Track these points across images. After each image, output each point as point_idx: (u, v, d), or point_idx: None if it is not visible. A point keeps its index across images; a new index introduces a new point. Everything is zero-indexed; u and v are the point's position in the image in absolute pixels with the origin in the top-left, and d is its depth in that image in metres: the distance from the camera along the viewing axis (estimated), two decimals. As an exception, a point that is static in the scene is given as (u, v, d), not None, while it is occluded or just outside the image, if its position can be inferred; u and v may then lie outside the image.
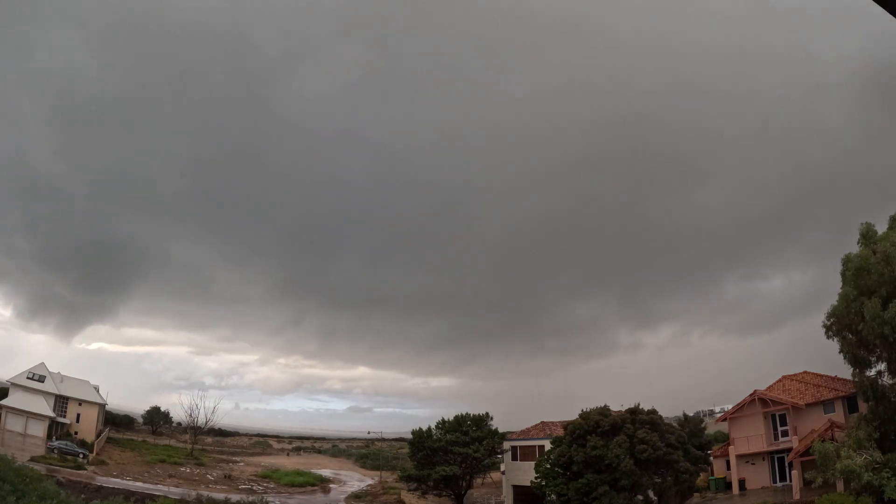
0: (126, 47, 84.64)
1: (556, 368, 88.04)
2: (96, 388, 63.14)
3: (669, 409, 46.72)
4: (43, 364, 59.02)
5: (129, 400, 73.92)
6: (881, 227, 35.03)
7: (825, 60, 63.72)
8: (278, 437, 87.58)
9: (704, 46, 69.36)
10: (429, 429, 52.64)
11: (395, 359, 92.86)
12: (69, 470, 47.92)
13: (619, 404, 42.36)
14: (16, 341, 76.29)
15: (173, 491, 47.76)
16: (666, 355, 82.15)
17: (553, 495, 39.99)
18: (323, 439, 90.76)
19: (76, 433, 58.58)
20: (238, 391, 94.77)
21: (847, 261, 34.29)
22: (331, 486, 61.87)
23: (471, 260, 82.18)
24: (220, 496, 47.21)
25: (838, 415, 39.57)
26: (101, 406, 63.29)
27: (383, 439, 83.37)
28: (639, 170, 73.44)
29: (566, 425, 42.48)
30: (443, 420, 53.00)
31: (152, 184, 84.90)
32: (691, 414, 55.03)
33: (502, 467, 53.60)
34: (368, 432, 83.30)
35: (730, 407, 47.63)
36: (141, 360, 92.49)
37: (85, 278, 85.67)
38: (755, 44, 67.34)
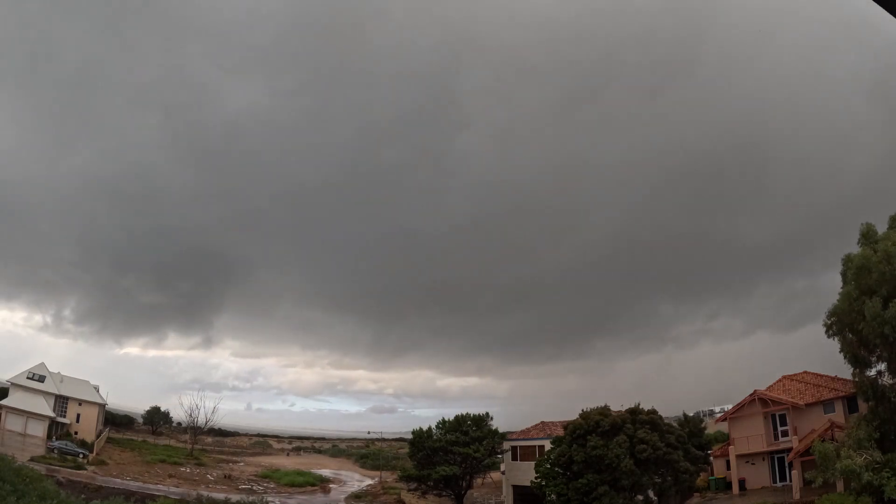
0: (294, 75, 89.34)
1: (574, 369, 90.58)
2: (96, 388, 63.11)
3: (670, 410, 47.00)
4: (43, 364, 58.93)
5: (138, 402, 74.37)
6: (881, 227, 35.07)
7: (859, 111, 71.34)
8: (278, 437, 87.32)
9: (758, 96, 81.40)
10: (429, 429, 52.57)
11: (442, 360, 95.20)
12: (69, 470, 47.84)
13: (619, 404, 42.44)
14: (34, 343, 76.17)
15: (173, 491, 47.76)
16: (669, 357, 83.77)
17: (553, 495, 39.93)
18: (323, 439, 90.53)
19: (76, 433, 58.53)
20: (256, 392, 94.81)
21: (848, 260, 34.29)
22: (331, 486, 61.87)
23: (554, 266, 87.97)
24: (220, 496, 47.24)
25: (838, 415, 39.54)
26: (101, 406, 63.25)
27: (383, 439, 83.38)
28: (699, 197, 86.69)
29: (566, 425, 42.42)
30: (443, 420, 52.99)
31: (256, 206, 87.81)
32: (691, 414, 54.97)
33: (502, 467, 53.55)
34: (368, 432, 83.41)
35: (730, 407, 47.64)
36: (158, 363, 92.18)
37: (169, 290, 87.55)
38: (803, 90, 78.46)
